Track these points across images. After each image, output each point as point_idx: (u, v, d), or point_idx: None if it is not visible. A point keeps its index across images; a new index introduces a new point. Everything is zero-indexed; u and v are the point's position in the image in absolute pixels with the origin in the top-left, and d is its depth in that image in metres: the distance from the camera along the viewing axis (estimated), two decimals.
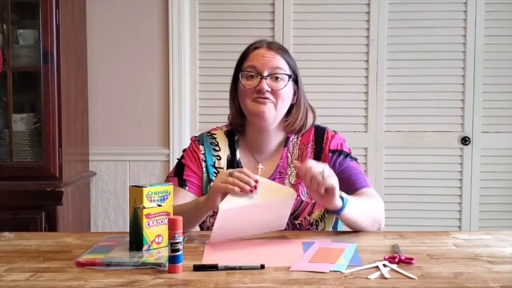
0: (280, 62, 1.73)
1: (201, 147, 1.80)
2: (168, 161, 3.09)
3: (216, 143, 1.81)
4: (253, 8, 3.10)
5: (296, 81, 1.76)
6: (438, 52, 3.10)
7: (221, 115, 3.02)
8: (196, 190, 1.76)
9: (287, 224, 1.70)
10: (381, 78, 3.10)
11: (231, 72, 3.24)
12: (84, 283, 1.20)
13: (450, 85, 3.11)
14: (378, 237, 1.60)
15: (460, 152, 3.13)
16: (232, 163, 1.77)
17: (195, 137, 1.84)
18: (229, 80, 3.43)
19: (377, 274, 1.26)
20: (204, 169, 1.77)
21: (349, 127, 3.03)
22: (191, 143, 1.83)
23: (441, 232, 1.68)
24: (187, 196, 1.74)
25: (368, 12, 3.09)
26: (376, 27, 3.09)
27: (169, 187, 1.49)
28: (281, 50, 1.76)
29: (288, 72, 1.74)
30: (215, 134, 1.83)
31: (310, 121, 1.79)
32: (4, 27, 2.71)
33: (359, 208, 1.61)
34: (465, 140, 3.11)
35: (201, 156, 1.78)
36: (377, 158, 3.11)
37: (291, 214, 1.71)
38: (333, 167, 1.72)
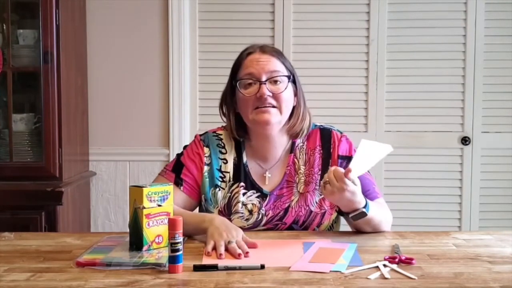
0: (276, 64, 1.68)
1: (205, 149, 1.75)
2: (168, 161, 3.09)
3: (222, 145, 1.76)
4: (253, 8, 3.10)
5: (294, 82, 1.72)
6: (438, 52, 3.10)
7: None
8: (191, 191, 1.74)
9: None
10: (381, 78, 3.10)
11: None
12: (84, 283, 1.20)
13: (450, 85, 3.11)
14: (378, 237, 1.60)
15: (460, 152, 3.13)
16: (239, 167, 1.74)
17: (200, 135, 1.79)
18: None
19: (377, 274, 1.26)
20: (206, 173, 1.74)
21: (349, 127, 3.02)
22: (195, 142, 1.78)
23: (441, 232, 1.68)
24: (180, 196, 1.72)
25: (368, 12, 3.09)
26: (376, 27, 3.09)
27: (169, 187, 1.49)
28: (275, 52, 1.71)
29: (286, 73, 1.69)
30: (221, 135, 1.78)
31: (307, 123, 1.75)
32: (4, 27, 2.70)
33: (375, 216, 1.60)
34: (465, 140, 3.11)
35: (204, 159, 1.74)
36: None
37: (300, 225, 1.70)
38: None
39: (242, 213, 1.70)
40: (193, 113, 3.14)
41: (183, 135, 3.10)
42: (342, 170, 1.49)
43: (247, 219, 1.69)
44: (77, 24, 2.93)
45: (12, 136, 2.69)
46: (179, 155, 1.79)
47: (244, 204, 1.70)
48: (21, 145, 2.72)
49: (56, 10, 2.64)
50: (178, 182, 1.73)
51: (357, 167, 1.50)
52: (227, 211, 1.71)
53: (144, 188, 1.43)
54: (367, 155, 1.52)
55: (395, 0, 3.09)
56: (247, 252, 1.39)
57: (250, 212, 1.70)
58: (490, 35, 3.08)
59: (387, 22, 3.09)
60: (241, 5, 3.10)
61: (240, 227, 1.64)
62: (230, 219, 1.67)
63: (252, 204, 1.71)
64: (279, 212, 1.70)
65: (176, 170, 1.75)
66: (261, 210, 1.70)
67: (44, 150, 2.67)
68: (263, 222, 1.70)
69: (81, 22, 3.00)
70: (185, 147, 1.82)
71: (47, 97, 2.65)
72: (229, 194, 1.72)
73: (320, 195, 1.71)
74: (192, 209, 1.76)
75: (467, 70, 3.09)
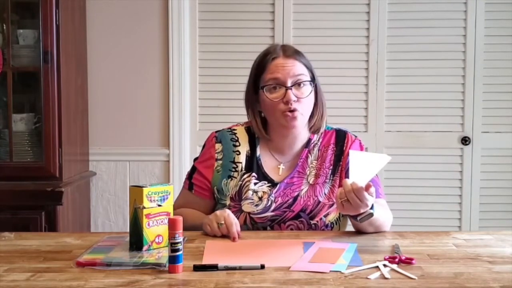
0: (300, 68, 1.74)
1: (217, 145, 1.81)
2: (168, 161, 3.09)
3: (236, 138, 1.82)
4: (253, 8, 3.10)
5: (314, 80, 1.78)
6: (438, 52, 3.09)
7: (221, 115, 3.06)
8: (202, 193, 1.80)
9: (303, 222, 1.73)
10: (381, 78, 3.10)
11: (231, 72, 3.23)
12: (84, 283, 1.20)
13: (450, 85, 3.11)
14: (378, 237, 1.60)
15: (460, 152, 3.13)
16: (252, 159, 1.79)
17: (216, 132, 1.85)
18: (229, 80, 3.40)
19: (377, 274, 1.26)
20: (219, 167, 1.79)
21: (349, 127, 3.00)
22: (208, 139, 1.85)
23: (441, 232, 1.68)
24: (194, 199, 1.81)
25: (368, 12, 3.09)
26: (376, 27, 3.09)
27: (169, 187, 1.49)
28: (297, 55, 1.77)
29: (309, 76, 1.75)
30: (235, 130, 1.84)
31: (325, 119, 1.82)
32: (4, 27, 2.70)
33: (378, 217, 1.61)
34: (465, 140, 3.11)
35: (215, 155, 1.80)
36: None
37: (308, 214, 1.73)
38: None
39: (252, 199, 1.74)
40: (193, 113, 3.14)
41: (183, 135, 3.10)
42: (358, 185, 1.48)
43: (256, 205, 1.73)
44: (77, 24, 2.93)
45: (12, 136, 2.69)
46: (195, 159, 1.87)
47: (255, 192, 1.75)
48: (21, 145, 2.72)
49: (56, 10, 2.64)
50: (191, 187, 1.82)
51: (360, 178, 1.50)
52: (238, 197, 1.76)
53: (144, 188, 1.43)
54: (362, 164, 1.53)
55: (395, 0, 3.09)
56: (234, 238, 1.54)
57: (260, 198, 1.74)
58: (490, 35, 3.08)
59: (387, 22, 3.09)
60: (241, 5, 3.10)
61: (249, 212, 1.72)
62: (240, 205, 1.74)
63: (263, 191, 1.75)
64: (288, 200, 1.74)
65: (190, 176, 1.84)
66: (270, 197, 1.74)
67: (44, 150, 2.67)
68: (272, 208, 1.73)
69: (81, 22, 2.99)
70: (203, 146, 1.87)
71: (47, 97, 2.65)
72: (240, 183, 1.76)
73: (330, 187, 1.76)
74: (208, 208, 1.81)
75: (467, 70, 3.09)
